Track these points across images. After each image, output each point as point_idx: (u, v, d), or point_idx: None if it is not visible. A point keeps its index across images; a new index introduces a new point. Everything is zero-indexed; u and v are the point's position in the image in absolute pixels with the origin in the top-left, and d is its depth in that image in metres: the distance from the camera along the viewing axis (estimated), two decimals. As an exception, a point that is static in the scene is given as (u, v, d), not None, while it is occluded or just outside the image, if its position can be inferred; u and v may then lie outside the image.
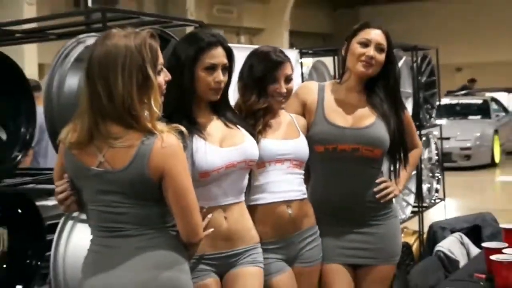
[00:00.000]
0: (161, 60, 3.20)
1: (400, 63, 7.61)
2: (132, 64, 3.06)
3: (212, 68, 3.72)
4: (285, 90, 4.11)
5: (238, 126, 3.92)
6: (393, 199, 4.59)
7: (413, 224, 8.40)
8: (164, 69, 3.25)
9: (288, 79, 4.14)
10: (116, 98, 3.05)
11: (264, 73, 4.08)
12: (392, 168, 4.55)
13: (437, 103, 9.53)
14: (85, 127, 3.13)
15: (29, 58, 14.07)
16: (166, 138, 3.10)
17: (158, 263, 3.16)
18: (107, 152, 3.13)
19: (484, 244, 4.85)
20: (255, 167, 3.98)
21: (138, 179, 3.10)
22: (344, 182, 4.37)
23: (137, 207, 3.16)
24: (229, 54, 3.81)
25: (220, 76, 3.74)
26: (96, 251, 3.26)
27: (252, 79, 4.10)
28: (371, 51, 4.30)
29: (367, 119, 4.37)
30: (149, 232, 3.18)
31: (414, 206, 8.40)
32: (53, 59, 4.69)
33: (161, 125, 3.14)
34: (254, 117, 4.10)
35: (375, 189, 4.41)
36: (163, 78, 3.22)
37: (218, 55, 3.74)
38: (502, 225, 5.32)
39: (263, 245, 4.00)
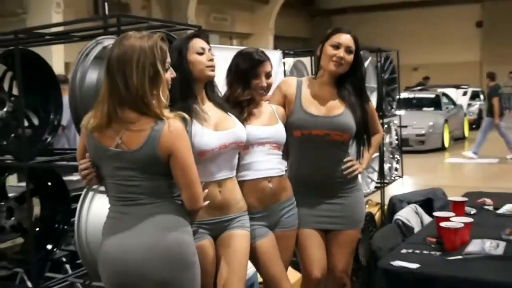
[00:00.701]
0: (168, 59, 3.24)
1: (366, 63, 7.64)
2: (145, 61, 3.10)
3: (202, 51, 3.81)
4: (265, 84, 4.15)
5: (229, 113, 3.97)
6: (359, 176, 4.63)
7: (376, 197, 8.41)
8: (171, 68, 3.29)
9: (268, 75, 4.18)
10: (131, 88, 3.09)
11: (247, 69, 4.12)
12: (357, 150, 4.59)
13: (397, 96, 9.51)
14: (104, 113, 3.16)
15: (56, 58, 14.03)
16: (173, 123, 3.14)
17: (166, 226, 3.20)
18: (124, 135, 3.16)
19: (435, 214, 4.88)
20: (241, 149, 4.02)
21: (150, 158, 3.14)
22: (317, 161, 4.41)
23: (148, 181, 3.19)
24: (208, 43, 3.91)
25: (211, 55, 3.84)
26: (114, 217, 3.29)
27: (238, 75, 4.14)
28: (341, 53, 4.31)
29: (337, 109, 4.40)
30: (158, 201, 3.22)
31: (377, 182, 8.42)
32: (76, 58, 4.71)
33: (168, 112, 3.17)
34: (240, 107, 4.13)
35: (343, 167, 4.45)
36: (169, 74, 3.26)
37: (202, 42, 3.85)
38: (450, 198, 5.35)
39: (249, 214, 4.04)
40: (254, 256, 4.08)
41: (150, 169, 3.18)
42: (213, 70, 3.86)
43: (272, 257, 4.13)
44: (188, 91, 3.78)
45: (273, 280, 4.14)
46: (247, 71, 4.12)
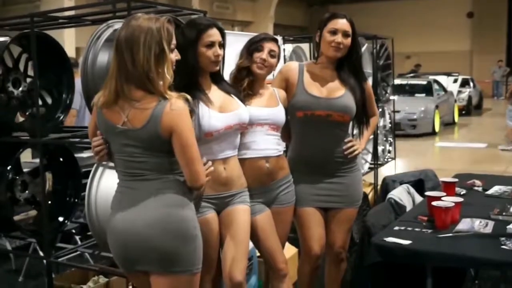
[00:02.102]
0: (174, 41, 3.22)
1: (363, 49, 7.63)
2: (152, 40, 3.09)
3: (211, 45, 3.77)
4: (265, 57, 4.15)
5: (232, 95, 3.97)
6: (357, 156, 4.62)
7: (370, 178, 8.44)
8: (176, 50, 3.27)
9: (272, 54, 4.18)
10: (137, 64, 3.08)
11: (251, 44, 4.19)
12: (355, 131, 4.58)
13: (391, 82, 9.53)
14: (112, 89, 3.16)
15: (68, 42, 14.05)
16: (175, 102, 3.11)
17: (169, 201, 3.19)
18: (130, 112, 3.15)
19: (427, 193, 4.89)
20: (244, 129, 4.03)
21: (153, 136, 3.12)
22: (319, 141, 4.40)
23: (152, 157, 3.18)
24: (222, 33, 3.87)
25: (218, 50, 3.80)
26: (122, 191, 3.29)
27: (245, 50, 4.21)
28: (339, 38, 4.31)
29: (338, 91, 4.39)
30: (163, 176, 3.21)
31: (371, 163, 8.46)
32: (88, 40, 4.70)
33: (172, 92, 3.16)
34: (240, 78, 4.16)
35: (344, 147, 4.44)
36: (174, 56, 3.24)
37: (214, 34, 3.80)
38: (441, 179, 5.35)
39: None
40: (251, 231, 4.08)
41: (153, 146, 3.17)
42: (217, 65, 3.86)
43: (268, 232, 4.15)
44: (193, 78, 3.79)
45: (268, 254, 4.17)
46: (250, 45, 4.20)
